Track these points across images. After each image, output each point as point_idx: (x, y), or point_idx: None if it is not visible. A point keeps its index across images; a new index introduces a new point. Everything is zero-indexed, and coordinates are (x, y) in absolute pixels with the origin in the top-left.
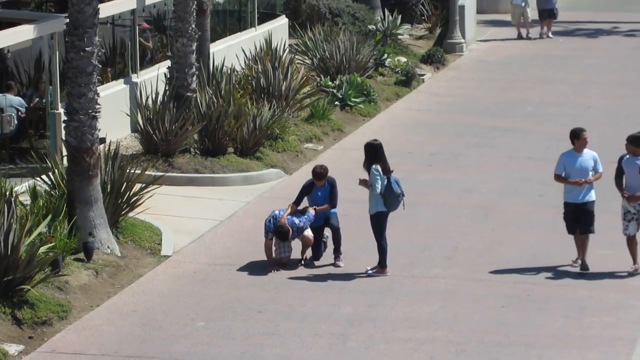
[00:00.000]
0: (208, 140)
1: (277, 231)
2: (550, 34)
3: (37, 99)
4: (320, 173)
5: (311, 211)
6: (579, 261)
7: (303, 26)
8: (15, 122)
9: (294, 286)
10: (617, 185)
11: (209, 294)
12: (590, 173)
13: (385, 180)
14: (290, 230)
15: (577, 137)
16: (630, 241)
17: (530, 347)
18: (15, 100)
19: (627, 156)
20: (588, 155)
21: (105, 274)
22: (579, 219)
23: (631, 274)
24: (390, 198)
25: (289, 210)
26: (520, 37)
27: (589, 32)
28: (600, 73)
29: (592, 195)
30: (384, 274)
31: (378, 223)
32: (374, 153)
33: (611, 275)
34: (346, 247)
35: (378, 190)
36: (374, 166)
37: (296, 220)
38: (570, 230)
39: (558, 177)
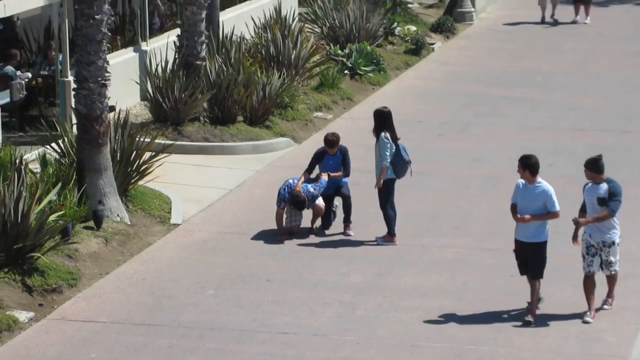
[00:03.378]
0: (217, 109)
1: (294, 201)
2: (587, 20)
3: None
4: (332, 140)
5: (324, 177)
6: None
7: None
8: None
9: (303, 255)
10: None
11: (219, 263)
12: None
13: (394, 148)
14: (307, 200)
15: (520, 164)
16: (588, 281)
17: (538, 317)
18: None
19: (589, 184)
20: (539, 189)
21: (115, 242)
22: (526, 259)
23: (586, 322)
24: (398, 165)
25: (302, 179)
26: (543, 20)
27: (601, 1)
28: (610, 42)
29: (541, 236)
30: (393, 243)
31: (386, 190)
32: (383, 120)
33: (619, 245)
34: (356, 215)
35: (389, 160)
36: (383, 134)
37: (311, 189)
38: (519, 271)
39: (511, 207)
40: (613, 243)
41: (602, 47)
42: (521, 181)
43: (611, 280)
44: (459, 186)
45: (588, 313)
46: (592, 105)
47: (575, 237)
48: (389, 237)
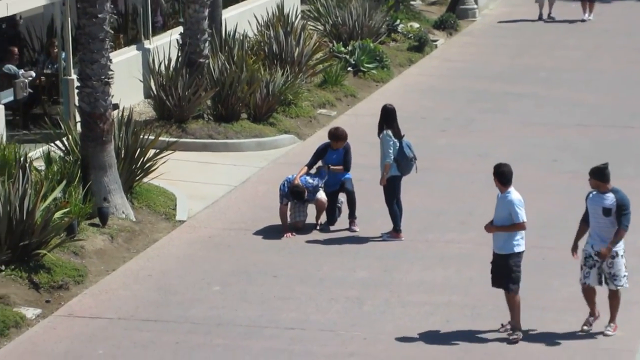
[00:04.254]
0: (221, 106)
1: (292, 191)
2: (590, 16)
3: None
4: (337, 134)
5: (324, 169)
6: (507, 326)
7: None
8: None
9: (309, 251)
10: (577, 232)
11: (224, 259)
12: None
13: (397, 145)
14: (306, 191)
15: (494, 173)
16: (585, 291)
17: (546, 311)
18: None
19: (593, 193)
20: (507, 199)
21: (121, 238)
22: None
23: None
24: (403, 162)
25: (302, 172)
26: (540, 17)
27: None
28: (614, 38)
29: (509, 247)
30: (399, 239)
31: (391, 187)
32: (385, 117)
33: (625, 241)
34: (361, 211)
35: (392, 157)
36: (385, 132)
37: (309, 179)
38: (492, 282)
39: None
40: (616, 254)
41: (606, 43)
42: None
43: (614, 299)
44: (464, 182)
45: (591, 319)
46: (596, 101)
47: (575, 249)
48: (395, 233)
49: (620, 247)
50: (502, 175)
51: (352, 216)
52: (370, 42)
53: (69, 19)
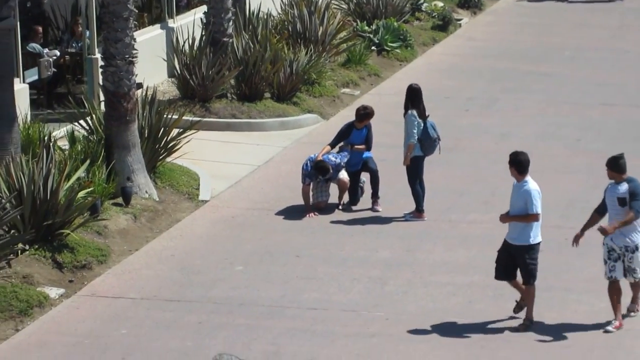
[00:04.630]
0: (245, 86)
1: (317, 167)
2: None
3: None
4: (369, 113)
5: (348, 148)
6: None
7: None
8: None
9: (331, 231)
10: (587, 221)
11: (247, 239)
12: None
13: (422, 125)
14: (331, 169)
15: (509, 162)
16: (613, 287)
17: (568, 292)
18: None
19: (610, 183)
20: (524, 188)
21: (144, 218)
22: (507, 262)
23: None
24: (426, 142)
25: (324, 150)
26: None
27: None
28: (639, 17)
29: (525, 238)
30: (422, 219)
31: (414, 167)
32: (411, 96)
33: None
34: (383, 191)
35: (416, 138)
36: (410, 111)
37: (332, 157)
38: (495, 274)
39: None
40: (637, 248)
41: (631, 22)
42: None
43: (636, 287)
44: (487, 162)
45: (613, 321)
46: (620, 81)
47: (577, 239)
48: (418, 213)
49: None
50: (519, 164)
51: (375, 196)
52: (394, 21)
53: None
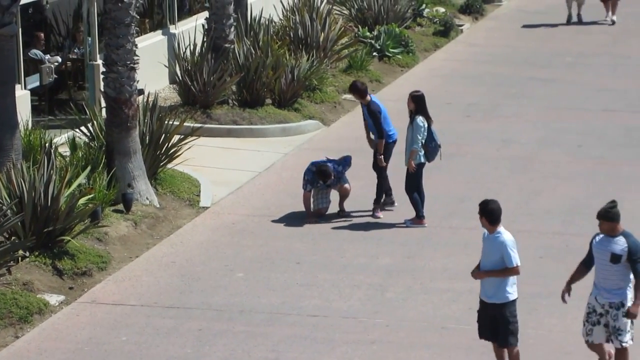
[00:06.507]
0: (246, 92)
1: (319, 171)
2: (613, 17)
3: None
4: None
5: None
6: None
7: None
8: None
9: (332, 237)
10: (572, 274)
11: (248, 245)
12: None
13: (427, 132)
14: (332, 175)
15: (480, 211)
16: (592, 348)
17: (569, 298)
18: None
19: (600, 237)
20: (498, 240)
21: (144, 225)
22: (489, 322)
23: None
24: (430, 148)
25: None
26: (569, 20)
27: None
28: None
29: (502, 295)
30: (422, 225)
31: (417, 174)
32: (422, 104)
33: None
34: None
35: (420, 145)
36: (420, 117)
37: (335, 165)
38: (478, 333)
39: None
40: (622, 305)
41: (632, 27)
42: (486, 231)
43: (621, 356)
44: (488, 167)
45: None
46: (621, 86)
47: (565, 292)
48: (418, 219)
49: (628, 298)
50: (491, 214)
51: (377, 202)
52: (396, 26)
53: (95, 3)
